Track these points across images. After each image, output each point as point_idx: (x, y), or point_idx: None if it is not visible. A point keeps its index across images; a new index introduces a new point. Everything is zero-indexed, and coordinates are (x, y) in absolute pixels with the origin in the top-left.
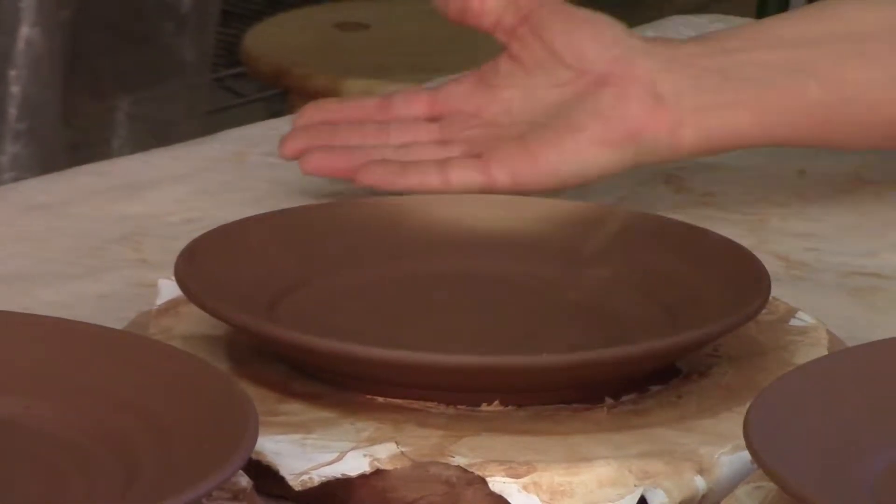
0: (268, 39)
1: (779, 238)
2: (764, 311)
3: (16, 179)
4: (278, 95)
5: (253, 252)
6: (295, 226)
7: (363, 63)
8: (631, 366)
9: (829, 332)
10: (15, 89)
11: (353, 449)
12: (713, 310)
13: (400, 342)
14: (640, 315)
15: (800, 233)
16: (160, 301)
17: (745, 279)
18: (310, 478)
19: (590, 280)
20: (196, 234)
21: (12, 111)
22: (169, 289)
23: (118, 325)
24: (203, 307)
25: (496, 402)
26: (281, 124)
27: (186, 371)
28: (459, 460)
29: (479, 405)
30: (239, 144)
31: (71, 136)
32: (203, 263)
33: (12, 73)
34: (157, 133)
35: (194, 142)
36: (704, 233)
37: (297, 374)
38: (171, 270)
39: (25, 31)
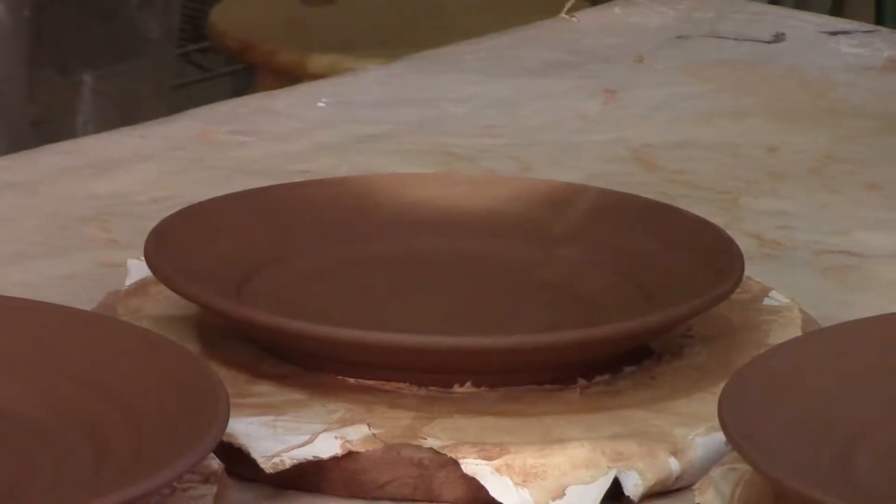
0: (234, 14)
1: (751, 216)
2: (737, 291)
3: None
4: (244, 70)
5: (222, 232)
6: (264, 206)
7: (329, 38)
8: (603, 347)
9: (802, 312)
10: None
11: (324, 431)
12: (686, 289)
13: (370, 323)
14: (613, 295)
15: (772, 211)
16: (129, 281)
17: (719, 258)
18: (281, 460)
19: (561, 259)
20: (164, 214)
21: None
22: (138, 269)
23: (86, 306)
24: (172, 288)
25: (468, 384)
26: (247, 101)
27: (156, 352)
28: (432, 442)
29: (452, 386)
30: (206, 122)
31: (36, 111)
32: (172, 244)
33: None
34: (123, 109)
35: (161, 120)
36: (677, 211)
37: (268, 355)
38: (141, 250)
39: None
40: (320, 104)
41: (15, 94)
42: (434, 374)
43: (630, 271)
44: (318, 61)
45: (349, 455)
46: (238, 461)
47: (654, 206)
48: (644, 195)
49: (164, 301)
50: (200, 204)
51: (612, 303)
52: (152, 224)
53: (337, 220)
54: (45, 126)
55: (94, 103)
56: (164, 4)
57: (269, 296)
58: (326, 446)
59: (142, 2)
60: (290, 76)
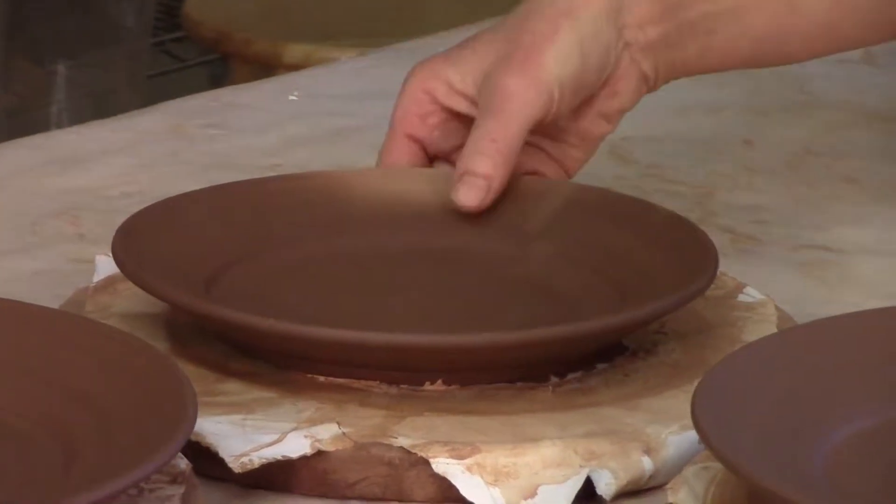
0: (209, 4)
1: (725, 211)
2: (711, 287)
3: None
4: (220, 60)
5: (192, 228)
6: (234, 201)
7: (305, 28)
8: (576, 344)
9: (777, 308)
10: None
11: (293, 430)
12: (660, 286)
13: (341, 320)
14: (587, 291)
15: (747, 205)
16: (97, 278)
17: (693, 254)
18: (250, 459)
19: (535, 255)
20: (135, 208)
21: None
22: (106, 265)
23: (55, 303)
24: (139, 284)
25: (439, 382)
26: (220, 94)
27: (123, 351)
28: (402, 441)
29: (423, 384)
30: (177, 116)
31: (9, 101)
32: (140, 239)
33: None
34: (97, 98)
35: (132, 114)
36: (651, 207)
37: (237, 352)
38: (109, 245)
39: None
40: (292, 97)
41: None
42: (405, 372)
43: (604, 267)
44: (293, 51)
45: (319, 454)
46: (206, 461)
47: (629, 201)
48: (619, 190)
49: (133, 298)
50: (169, 199)
51: (587, 299)
52: (122, 218)
53: (308, 215)
54: (19, 116)
55: (68, 93)
56: None
57: (239, 292)
58: (296, 445)
59: None
60: (265, 66)
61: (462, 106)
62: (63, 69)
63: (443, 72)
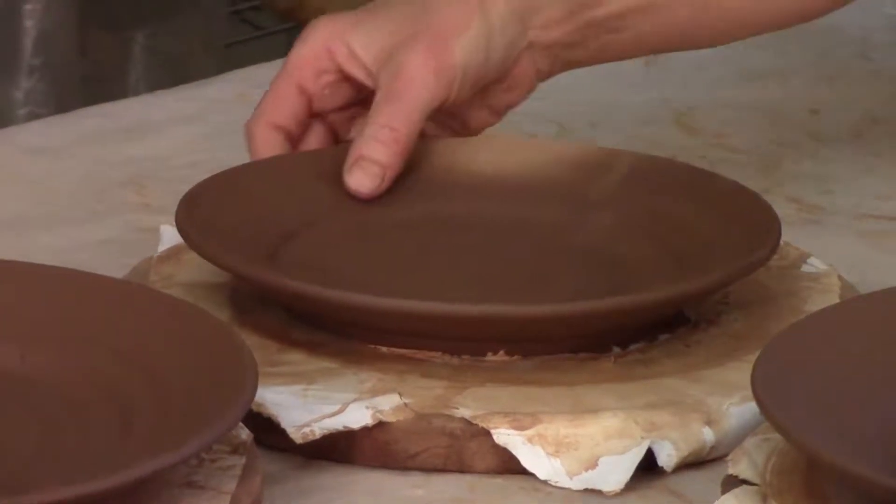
0: None
1: (791, 180)
2: (775, 257)
3: (30, 114)
4: (298, 27)
5: (255, 197)
6: (297, 169)
7: None
8: (637, 314)
9: (840, 279)
10: (29, 23)
11: (355, 400)
12: (722, 256)
13: (403, 290)
14: (648, 261)
15: (812, 174)
16: (162, 247)
17: (756, 224)
18: (311, 430)
19: (596, 224)
20: (199, 178)
21: (27, 45)
22: (171, 235)
23: (120, 272)
24: (202, 254)
25: (501, 352)
26: None
27: (185, 321)
28: (463, 412)
29: (485, 355)
30: (243, 85)
31: (86, 69)
32: (204, 209)
33: (27, 7)
34: (174, 67)
35: (200, 83)
36: (713, 176)
37: (300, 322)
38: (174, 216)
39: None
40: None
41: (64, 52)
42: (466, 343)
43: (666, 237)
44: None
45: (380, 425)
46: (268, 431)
47: (691, 170)
48: (684, 160)
49: (197, 267)
50: (232, 170)
51: (647, 269)
52: (187, 188)
53: None
54: (95, 84)
55: (145, 62)
56: None
57: (302, 261)
58: (357, 416)
59: None
60: None
61: (359, 73)
62: (140, 37)
63: (347, 34)
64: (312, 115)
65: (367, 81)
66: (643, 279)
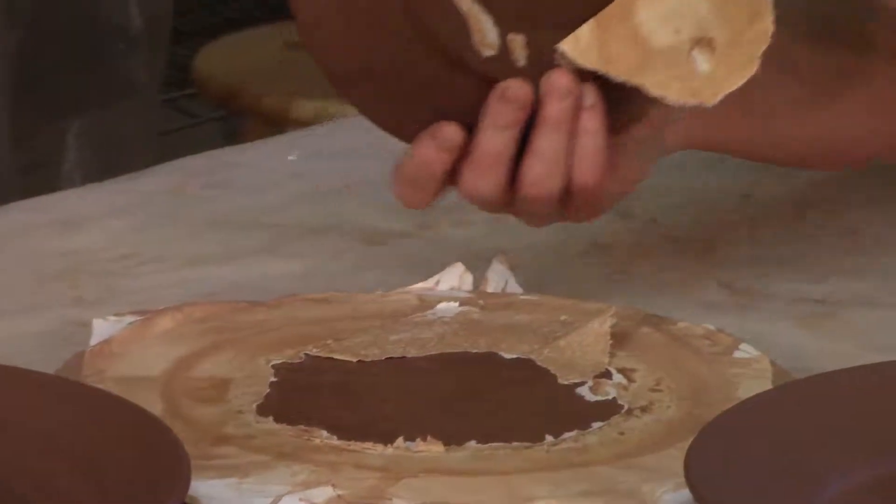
0: (218, 60)
1: (725, 264)
2: (708, 343)
3: None
4: (232, 116)
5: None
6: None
7: (315, 84)
8: None
9: (773, 364)
10: None
11: (288, 493)
12: None
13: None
14: None
15: (747, 258)
16: (94, 341)
17: None
18: None
19: None
20: (133, 271)
21: None
22: (102, 328)
23: (56, 364)
24: None
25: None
26: (221, 154)
27: (118, 415)
28: (398, 503)
29: (416, 441)
30: (178, 176)
31: (21, 158)
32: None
33: None
34: (109, 155)
35: (132, 175)
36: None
37: (232, 417)
38: (107, 308)
39: None
40: (290, 158)
41: (0, 142)
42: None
43: None
44: (302, 107)
45: None
46: None
47: None
48: (617, 242)
49: (128, 362)
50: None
51: None
52: (120, 281)
53: None
54: (31, 173)
55: (79, 150)
56: (150, 49)
57: None
58: None
59: (128, 47)
60: (275, 122)
61: None
62: (74, 126)
63: None
64: None
65: None
66: None
